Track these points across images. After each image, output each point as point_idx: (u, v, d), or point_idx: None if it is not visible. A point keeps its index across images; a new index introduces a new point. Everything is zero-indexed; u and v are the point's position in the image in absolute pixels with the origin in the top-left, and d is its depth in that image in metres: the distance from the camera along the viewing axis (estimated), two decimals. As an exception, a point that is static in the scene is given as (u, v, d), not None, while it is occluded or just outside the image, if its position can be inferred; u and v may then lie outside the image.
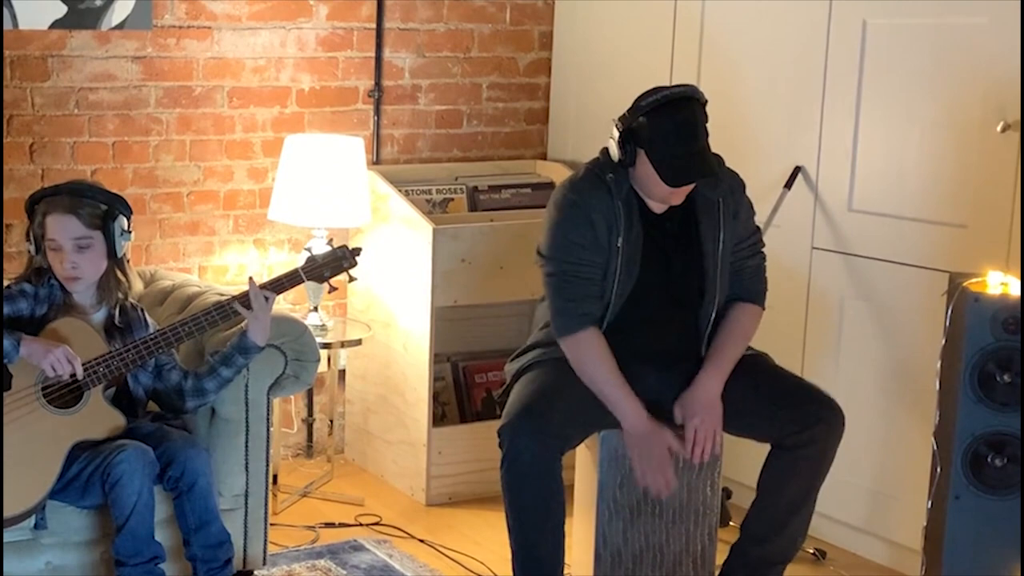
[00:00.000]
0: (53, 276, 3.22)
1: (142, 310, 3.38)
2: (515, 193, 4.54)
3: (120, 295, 3.30)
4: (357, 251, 3.36)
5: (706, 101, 3.16)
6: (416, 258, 4.13)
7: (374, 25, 4.40)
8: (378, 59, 4.43)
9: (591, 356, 3.17)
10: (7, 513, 3.04)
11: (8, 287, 3.21)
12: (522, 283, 4.16)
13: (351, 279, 3.42)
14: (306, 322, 3.92)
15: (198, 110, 4.18)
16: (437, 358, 4.20)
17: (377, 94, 4.45)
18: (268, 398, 3.41)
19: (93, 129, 4.03)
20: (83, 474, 3.12)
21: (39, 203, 3.22)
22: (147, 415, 3.35)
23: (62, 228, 3.16)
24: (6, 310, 3.15)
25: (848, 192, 3.79)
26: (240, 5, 4.19)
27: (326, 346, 4.04)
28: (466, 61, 4.60)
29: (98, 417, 3.18)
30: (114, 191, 3.33)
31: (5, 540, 3.08)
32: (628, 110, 3.14)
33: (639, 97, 3.14)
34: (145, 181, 4.14)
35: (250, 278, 3.32)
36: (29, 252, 3.24)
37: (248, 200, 4.32)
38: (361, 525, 3.97)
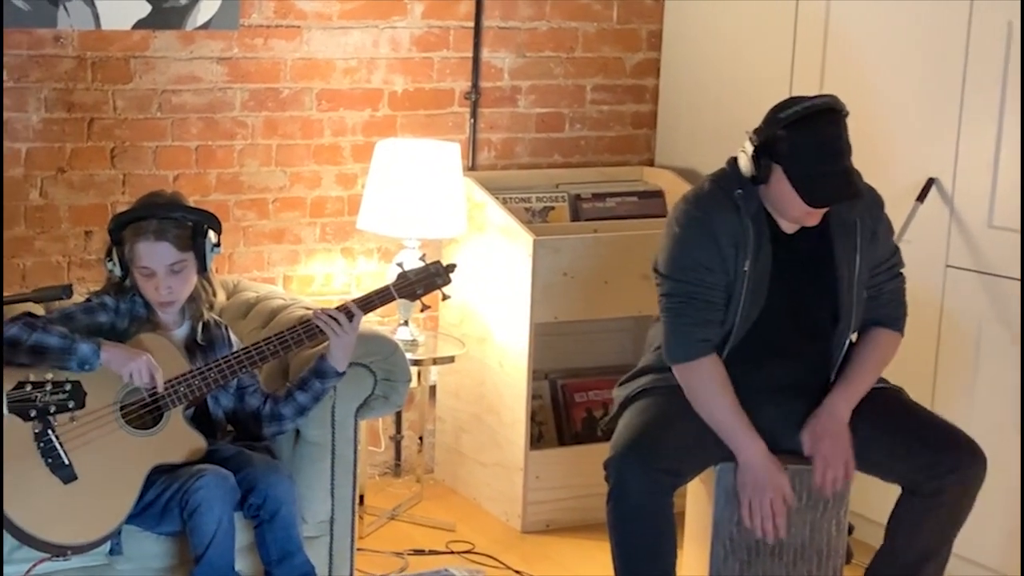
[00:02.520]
0: (137, 292, 3.17)
1: (226, 328, 3.32)
2: (620, 202, 4.43)
3: (205, 307, 3.25)
4: (451, 268, 3.31)
5: (847, 113, 3.00)
6: (515, 271, 4.02)
7: (472, 23, 4.33)
8: (476, 59, 4.35)
9: (709, 385, 3.04)
10: (83, 539, 2.98)
11: (88, 300, 3.19)
12: (627, 299, 4.04)
13: (444, 297, 3.37)
14: (396, 337, 3.91)
15: (285, 113, 4.12)
16: (534, 375, 4.11)
17: (474, 96, 4.36)
18: (355, 420, 3.34)
19: (176, 133, 3.99)
20: (161, 499, 3.06)
21: (125, 228, 3.15)
22: (227, 437, 3.29)
23: (156, 256, 3.11)
24: (85, 320, 3.12)
25: (988, 206, 3.60)
26: (331, 3, 4.13)
27: (417, 363, 3.96)
28: (569, 61, 4.50)
29: (178, 439, 3.12)
30: (198, 202, 3.30)
31: (79, 565, 3.06)
32: (764, 122, 3.00)
33: (775, 108, 2.99)
34: (229, 187, 4.08)
35: (344, 304, 3.26)
36: (111, 272, 3.18)
37: (336, 207, 4.24)
38: (452, 553, 3.88)
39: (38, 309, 3.18)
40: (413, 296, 3.28)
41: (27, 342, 2.96)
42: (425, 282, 3.27)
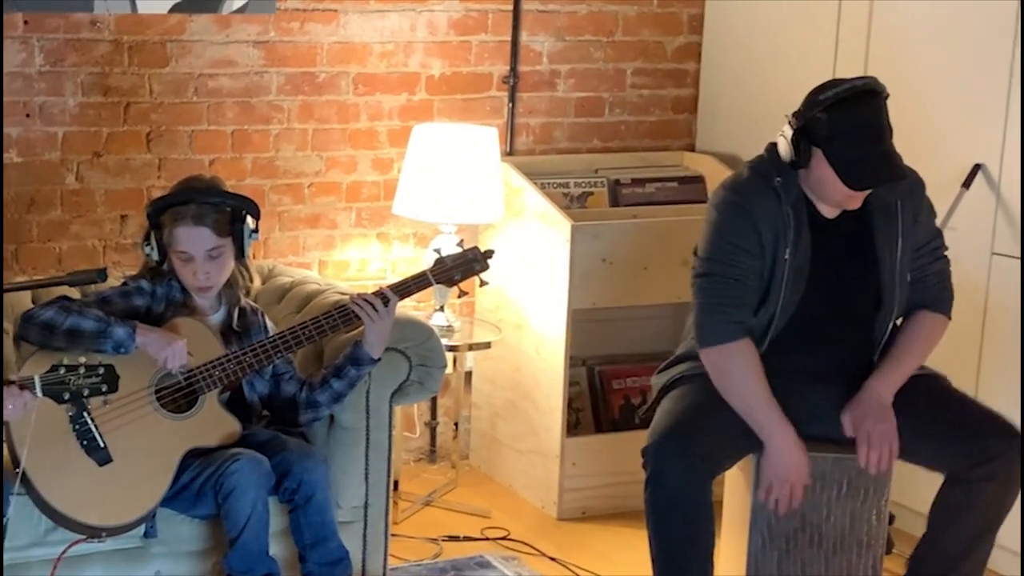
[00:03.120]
0: (174, 277, 3.16)
1: (262, 314, 3.30)
2: (660, 187, 4.38)
3: (241, 293, 3.25)
4: (489, 253, 3.29)
5: (888, 95, 2.95)
6: (552, 257, 3.98)
7: (511, 7, 4.28)
8: (514, 43, 4.30)
9: (741, 369, 2.99)
10: (118, 521, 2.99)
11: (125, 283, 3.18)
12: (667, 285, 3.99)
13: (482, 283, 3.33)
14: (431, 323, 3.88)
15: (321, 97, 4.08)
16: (572, 361, 4.06)
17: (512, 80, 4.32)
18: (390, 406, 3.33)
19: (212, 117, 3.96)
20: (195, 483, 3.05)
21: (164, 213, 3.12)
22: (261, 422, 3.27)
23: (195, 241, 3.09)
24: (121, 304, 3.11)
25: (1035, 192, 3.54)
26: (368, -14, 4.11)
27: (452, 349, 3.92)
28: (609, 45, 4.44)
29: (213, 423, 3.11)
30: (233, 187, 3.29)
31: (114, 548, 3.08)
32: (803, 105, 2.95)
33: (815, 90, 2.95)
34: (265, 172, 4.06)
35: (381, 288, 3.23)
36: (148, 256, 3.16)
37: (372, 192, 4.21)
38: (487, 539, 3.85)
39: (73, 293, 3.17)
40: (450, 282, 3.24)
41: (63, 325, 2.96)
42: (463, 268, 3.24)
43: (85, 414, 2.88)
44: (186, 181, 3.20)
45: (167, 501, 3.03)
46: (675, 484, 2.91)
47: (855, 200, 2.98)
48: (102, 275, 2.85)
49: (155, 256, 3.13)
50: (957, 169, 3.65)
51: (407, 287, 3.21)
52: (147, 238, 3.14)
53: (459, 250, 3.30)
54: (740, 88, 4.39)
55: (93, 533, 2.96)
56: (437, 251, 3.34)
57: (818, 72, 3.88)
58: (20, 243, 3.75)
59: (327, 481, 3.11)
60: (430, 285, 3.24)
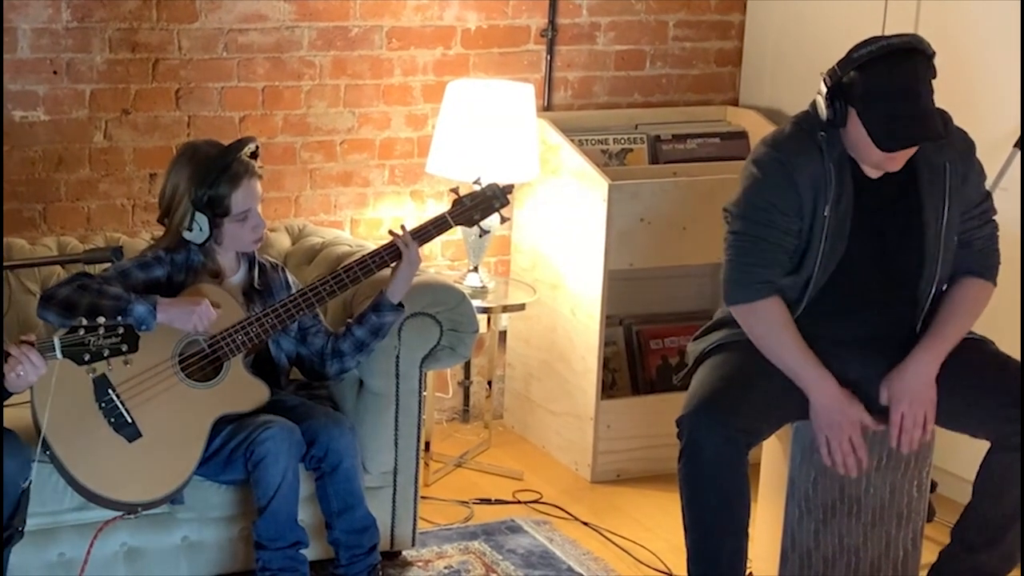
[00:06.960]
0: (196, 245, 3.11)
1: (283, 269, 3.29)
2: (702, 143, 4.31)
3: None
4: (509, 188, 3.24)
5: (932, 54, 2.85)
6: (589, 216, 3.92)
7: None
8: None
9: (771, 325, 2.95)
10: (152, 496, 2.98)
11: (144, 254, 3.15)
12: (707, 245, 3.91)
13: (503, 219, 3.29)
14: (465, 283, 3.86)
15: (354, 52, 4.03)
16: (608, 320, 4.02)
17: (550, 33, 4.25)
18: (420, 371, 3.31)
19: (242, 73, 3.91)
20: (225, 449, 3.05)
21: (214, 186, 3.03)
22: (290, 384, 3.26)
23: (252, 193, 3.10)
24: (141, 276, 3.07)
25: (1090, 152, 3.44)
26: (402, -63, 4.04)
27: (486, 310, 3.88)
28: None
29: (241, 389, 3.09)
30: (264, 144, 3.33)
31: (142, 513, 3.06)
32: (839, 63, 2.87)
33: (853, 48, 2.86)
34: (296, 129, 4.02)
35: (390, 231, 3.22)
36: (192, 239, 3.07)
37: (405, 149, 4.17)
38: (519, 503, 3.83)
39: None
40: (471, 222, 3.20)
41: (82, 305, 2.91)
42: (482, 206, 3.20)
43: (110, 391, 2.88)
44: (187, 149, 3.13)
45: (197, 467, 3.01)
46: (710, 456, 2.87)
47: (894, 162, 2.90)
48: (117, 254, 2.81)
49: (205, 234, 3.04)
50: (1009, 128, 3.54)
51: (427, 231, 3.17)
52: (188, 223, 3.04)
53: (478, 188, 3.24)
54: (786, 40, 4.30)
55: (130, 509, 2.97)
56: (455, 191, 3.28)
57: (867, 25, 3.78)
58: (48, 202, 3.73)
59: (354, 449, 3.10)
60: (450, 227, 3.20)
